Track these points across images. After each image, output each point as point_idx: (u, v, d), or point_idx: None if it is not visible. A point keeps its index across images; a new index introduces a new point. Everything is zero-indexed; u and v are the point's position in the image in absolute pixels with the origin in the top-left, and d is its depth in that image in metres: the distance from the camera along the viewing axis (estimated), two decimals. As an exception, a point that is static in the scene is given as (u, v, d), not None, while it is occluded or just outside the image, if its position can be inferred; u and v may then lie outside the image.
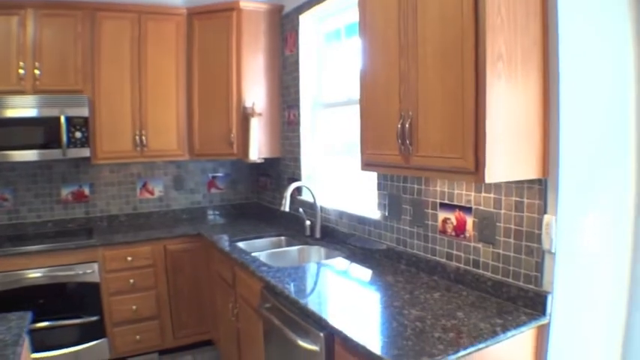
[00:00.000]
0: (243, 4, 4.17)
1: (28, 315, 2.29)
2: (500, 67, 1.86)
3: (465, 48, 1.89)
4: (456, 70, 1.95)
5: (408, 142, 2.24)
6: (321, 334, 2.13)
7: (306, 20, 4.06)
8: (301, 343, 2.24)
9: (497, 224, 2.29)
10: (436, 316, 2.11)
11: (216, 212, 5.01)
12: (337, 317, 2.14)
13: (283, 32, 4.35)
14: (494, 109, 1.85)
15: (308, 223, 3.80)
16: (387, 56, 2.36)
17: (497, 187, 2.27)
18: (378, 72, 2.45)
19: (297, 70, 4.14)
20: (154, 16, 4.25)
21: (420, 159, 2.20)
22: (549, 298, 2.05)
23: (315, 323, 2.21)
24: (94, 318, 3.86)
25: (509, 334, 1.94)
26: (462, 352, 1.80)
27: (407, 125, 2.23)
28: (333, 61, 3.97)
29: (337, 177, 3.93)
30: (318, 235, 3.72)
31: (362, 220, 3.33)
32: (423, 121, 2.16)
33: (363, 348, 1.85)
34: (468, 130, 1.91)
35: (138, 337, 4.04)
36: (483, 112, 1.85)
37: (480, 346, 1.85)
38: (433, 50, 2.07)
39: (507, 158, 1.92)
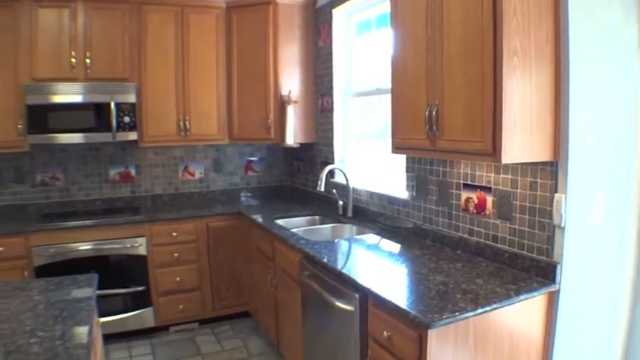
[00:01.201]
0: (279, -1, 4.45)
1: (95, 276, 2.62)
2: (516, 61, 2.11)
3: (484, 45, 2.15)
4: (476, 64, 2.21)
5: (434, 127, 2.50)
6: (356, 295, 2.44)
7: (338, 13, 4.31)
8: (338, 304, 2.55)
9: (514, 202, 2.54)
10: (458, 282, 2.38)
11: (253, 193, 5.33)
12: (370, 281, 2.43)
13: (317, 24, 4.61)
14: (509, 99, 2.11)
15: (341, 203, 4.09)
16: (416, 50, 2.63)
17: (514, 168, 2.52)
18: (408, 64, 2.72)
19: (330, 60, 4.41)
20: (195, 9, 4.55)
21: (445, 142, 2.47)
22: (558, 267, 2.30)
23: (350, 286, 2.51)
24: (141, 288, 4.22)
25: (521, 297, 2.21)
26: (480, 310, 2.07)
27: (433, 112, 2.50)
28: (364, 51, 4.21)
29: (368, 160, 4.19)
30: (350, 214, 4.00)
31: (391, 200, 3.60)
32: (447, 109, 2.43)
33: (394, 305, 2.14)
34: (487, 117, 2.17)
35: (181, 306, 4.39)
36: (500, 102, 2.11)
37: (495, 306, 2.12)
38: (457, 46, 2.33)
39: (521, 142, 2.18)
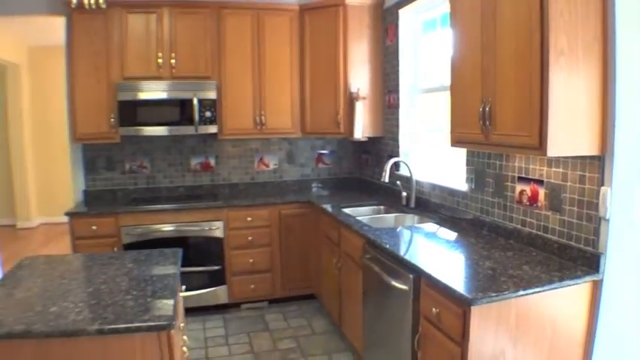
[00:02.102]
0: (348, 1, 4.67)
1: (180, 250, 2.97)
2: (563, 61, 2.25)
3: (532, 45, 2.30)
4: (525, 64, 2.37)
5: (487, 122, 2.67)
6: (411, 276, 2.67)
7: (404, 13, 4.49)
8: (394, 283, 2.79)
9: (564, 195, 2.66)
10: (505, 268, 2.55)
11: (323, 184, 5.61)
12: (424, 264, 2.65)
13: (384, 24, 4.81)
14: (555, 97, 2.26)
15: (404, 194, 4.29)
16: (472, 51, 2.80)
17: (564, 162, 2.64)
18: (465, 65, 2.90)
19: (396, 58, 4.60)
20: (270, 12, 4.90)
21: (497, 137, 2.64)
22: (602, 257, 2.41)
23: (406, 267, 2.75)
24: (217, 267, 4.63)
25: (564, 283, 2.35)
26: (521, 292, 2.24)
27: (487, 109, 2.67)
28: (429, 49, 4.37)
29: (431, 154, 4.37)
30: (412, 204, 4.20)
31: (452, 192, 3.76)
32: (499, 106, 2.59)
33: (442, 284, 2.35)
34: (534, 114, 2.32)
35: (252, 286, 4.77)
36: (546, 99, 2.26)
37: (536, 289, 2.28)
38: (508, 46, 2.50)
39: (567, 136, 2.31)
